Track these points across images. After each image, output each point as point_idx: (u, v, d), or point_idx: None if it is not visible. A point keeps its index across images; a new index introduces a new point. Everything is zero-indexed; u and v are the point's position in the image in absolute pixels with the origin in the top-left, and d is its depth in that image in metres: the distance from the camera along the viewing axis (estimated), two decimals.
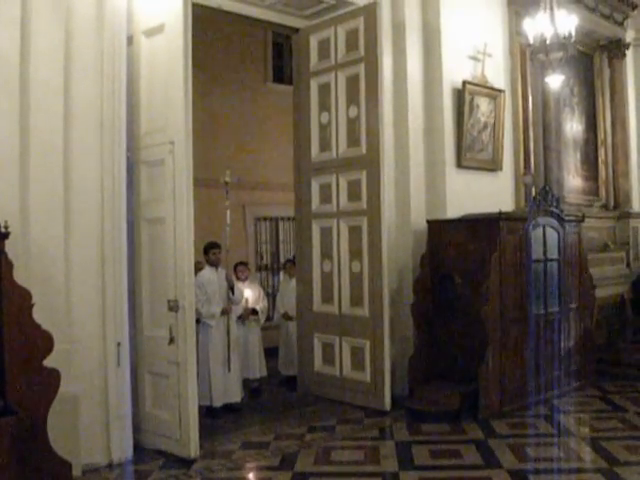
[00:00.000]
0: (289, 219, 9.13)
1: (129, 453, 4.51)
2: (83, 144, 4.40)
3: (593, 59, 8.54)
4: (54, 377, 3.73)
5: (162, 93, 4.62)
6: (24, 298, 3.67)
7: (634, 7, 8.48)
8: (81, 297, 4.37)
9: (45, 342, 3.71)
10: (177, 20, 4.47)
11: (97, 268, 4.45)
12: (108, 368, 4.45)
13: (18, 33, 3.99)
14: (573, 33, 6.39)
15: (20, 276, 3.72)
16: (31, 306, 3.69)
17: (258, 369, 6.61)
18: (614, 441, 4.68)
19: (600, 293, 7.12)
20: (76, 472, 4.00)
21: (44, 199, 4.15)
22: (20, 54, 4.00)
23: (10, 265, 3.64)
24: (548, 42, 6.34)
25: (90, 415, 4.33)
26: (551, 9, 6.41)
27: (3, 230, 3.60)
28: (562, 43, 6.34)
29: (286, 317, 6.95)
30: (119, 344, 4.50)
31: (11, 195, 3.95)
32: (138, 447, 4.60)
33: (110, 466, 4.39)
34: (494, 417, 5.31)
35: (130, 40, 4.72)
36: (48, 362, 3.74)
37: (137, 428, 4.65)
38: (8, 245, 3.64)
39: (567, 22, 6.39)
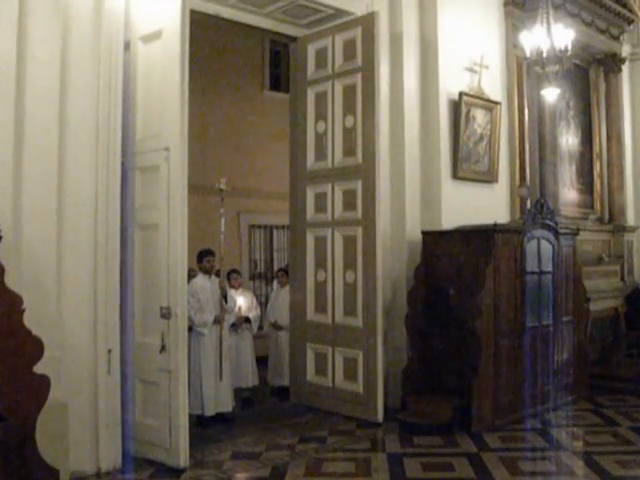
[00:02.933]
0: (284, 227, 9.11)
1: (118, 462, 4.46)
2: (78, 149, 4.38)
3: (589, 73, 8.60)
4: (44, 383, 3.68)
5: (158, 99, 4.61)
6: (15, 303, 3.63)
7: (630, 22, 8.55)
8: (72, 303, 4.34)
9: (35, 348, 3.66)
10: (175, 26, 4.47)
11: (89, 274, 4.41)
12: (98, 375, 4.41)
13: (15, 38, 3.98)
14: (569, 47, 6.43)
15: (11, 281, 3.68)
16: (22, 311, 3.64)
17: (250, 378, 6.56)
18: (607, 455, 4.66)
19: (594, 306, 7.13)
20: None
21: (37, 204, 4.12)
22: (16, 59, 3.99)
23: (2, 269, 3.60)
24: (545, 55, 6.38)
25: (79, 422, 4.28)
26: (548, 23, 6.46)
27: None
28: (558, 56, 6.38)
29: (276, 326, 6.90)
30: (110, 351, 4.46)
31: (4, 199, 3.92)
32: (127, 456, 4.54)
33: (98, 475, 4.34)
34: (487, 430, 5.28)
35: (127, 45, 4.71)
36: (38, 368, 3.69)
37: (127, 436, 4.59)
38: (0, 249, 3.61)
39: (564, 36, 6.44)
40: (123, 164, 4.65)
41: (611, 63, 8.59)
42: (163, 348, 4.47)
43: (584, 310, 6.61)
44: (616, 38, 8.53)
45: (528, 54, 6.52)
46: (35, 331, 3.68)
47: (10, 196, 3.96)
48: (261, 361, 6.96)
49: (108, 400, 4.44)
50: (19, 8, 4.01)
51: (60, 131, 4.25)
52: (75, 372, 4.30)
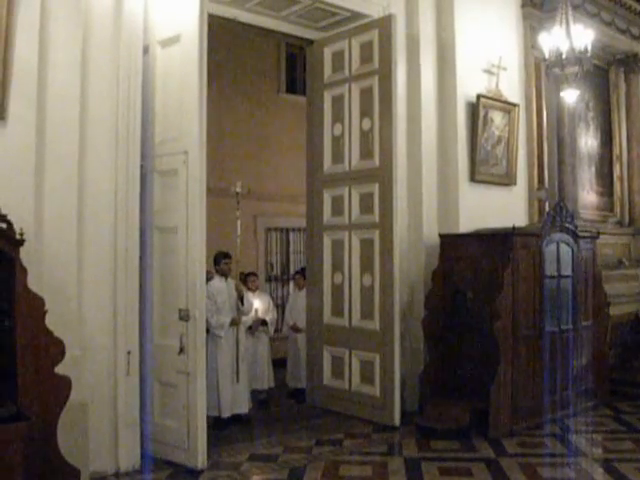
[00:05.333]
0: (300, 230, 9.13)
1: (137, 462, 4.50)
2: (98, 153, 4.44)
3: (609, 73, 8.49)
4: (65, 384, 3.74)
5: (177, 103, 4.65)
6: (37, 305, 3.69)
7: None
8: (92, 304, 4.39)
9: (57, 349, 3.73)
10: (193, 31, 4.51)
11: (109, 276, 4.47)
12: (118, 376, 4.46)
13: (36, 43, 4.03)
14: (589, 47, 6.36)
15: (33, 283, 3.73)
16: (44, 313, 3.70)
17: (266, 380, 6.57)
18: (627, 463, 4.60)
19: (614, 311, 7.02)
20: None
21: (58, 207, 4.17)
22: (38, 64, 4.04)
23: (24, 272, 3.66)
24: (564, 56, 6.31)
25: (99, 423, 4.33)
26: (567, 23, 6.39)
27: (18, 237, 3.62)
28: (578, 57, 6.31)
29: (295, 329, 6.91)
30: (129, 352, 4.51)
31: (26, 202, 3.97)
32: (146, 456, 4.58)
33: (117, 475, 4.38)
34: (505, 435, 5.23)
35: (146, 50, 4.76)
36: (59, 369, 3.74)
37: (146, 437, 4.63)
38: (22, 252, 3.66)
39: (583, 36, 6.36)
40: (142, 167, 4.70)
41: (631, 63, 8.48)
42: (182, 350, 4.50)
43: (604, 314, 6.52)
44: (636, 38, 8.42)
45: (547, 55, 6.45)
46: (56, 332, 3.74)
47: (32, 200, 4.01)
48: (278, 363, 6.97)
49: (127, 401, 4.48)
50: (40, 13, 4.06)
51: (80, 135, 4.31)
52: (95, 373, 4.35)
